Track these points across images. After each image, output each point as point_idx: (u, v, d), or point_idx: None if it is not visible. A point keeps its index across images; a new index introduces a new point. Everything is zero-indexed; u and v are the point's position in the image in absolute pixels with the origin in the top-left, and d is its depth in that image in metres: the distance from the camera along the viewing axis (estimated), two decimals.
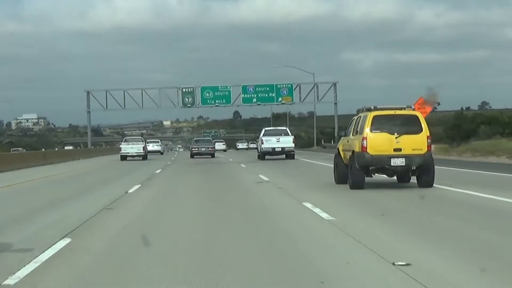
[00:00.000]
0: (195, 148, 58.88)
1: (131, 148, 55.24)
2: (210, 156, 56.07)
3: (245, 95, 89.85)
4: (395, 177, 20.72)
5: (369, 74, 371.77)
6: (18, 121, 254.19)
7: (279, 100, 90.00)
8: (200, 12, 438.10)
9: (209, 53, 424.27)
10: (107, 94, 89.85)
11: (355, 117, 20.83)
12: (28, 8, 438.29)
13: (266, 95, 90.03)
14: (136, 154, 54.28)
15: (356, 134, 20.03)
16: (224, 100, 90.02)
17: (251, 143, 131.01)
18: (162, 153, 76.18)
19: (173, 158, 59.53)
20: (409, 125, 19.37)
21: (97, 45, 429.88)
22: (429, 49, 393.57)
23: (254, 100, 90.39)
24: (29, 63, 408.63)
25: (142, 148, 55.28)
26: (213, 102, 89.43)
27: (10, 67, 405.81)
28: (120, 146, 57.28)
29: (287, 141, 45.90)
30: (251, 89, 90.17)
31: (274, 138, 45.78)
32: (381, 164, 19.26)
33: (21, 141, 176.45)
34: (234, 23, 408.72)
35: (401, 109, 19.74)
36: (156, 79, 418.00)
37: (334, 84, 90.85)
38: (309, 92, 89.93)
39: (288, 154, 45.71)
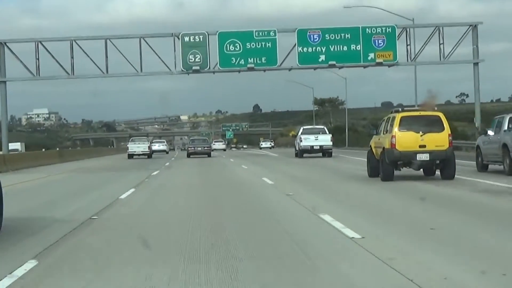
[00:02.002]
0: (191, 147, 57.57)
1: (137, 147, 57.31)
2: (206, 156, 55.33)
3: (305, 49, 48.05)
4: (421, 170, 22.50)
5: (385, 68, 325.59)
6: (28, 116, 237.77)
7: (368, 58, 47.86)
8: (218, 6, 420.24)
9: None
10: (37, 47, 48.02)
11: (385, 117, 22.82)
12: (45, 2, 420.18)
13: (345, 48, 47.82)
14: (142, 152, 56.73)
15: (386, 132, 21.90)
16: (264, 59, 48.12)
17: (263, 142, 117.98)
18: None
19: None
20: (432, 124, 21.19)
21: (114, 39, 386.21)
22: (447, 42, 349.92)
23: (322, 57, 48.21)
24: (46, 57, 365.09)
25: (147, 148, 57.65)
26: (242, 62, 48.03)
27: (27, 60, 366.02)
28: (128, 145, 60.10)
29: (325, 139, 45.84)
30: (316, 36, 48.22)
31: (312, 136, 45.78)
32: (408, 159, 21.10)
33: (31, 137, 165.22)
34: (252, 16, 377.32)
35: (426, 110, 21.62)
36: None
37: (474, 27, 48.38)
38: (427, 41, 48.22)
39: (326, 152, 45.73)
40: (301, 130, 48.31)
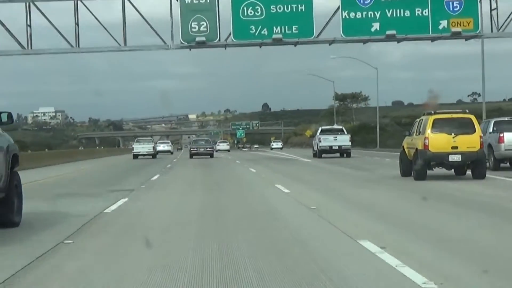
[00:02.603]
0: (193, 148, 57.01)
1: (142, 148, 57.46)
2: (209, 156, 54.92)
3: (352, 14, 34.11)
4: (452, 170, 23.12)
5: (397, 66, 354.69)
6: (34, 114, 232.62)
7: (439, 27, 34.04)
8: None
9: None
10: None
11: (418, 119, 23.24)
12: None
13: (407, 13, 34.05)
14: (146, 153, 57.12)
15: (419, 134, 22.32)
16: (295, 28, 34.28)
17: (274, 142, 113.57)
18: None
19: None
20: (464, 127, 21.60)
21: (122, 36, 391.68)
22: (457, 42, 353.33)
23: (376, 26, 34.49)
24: (53, 56, 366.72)
25: (152, 148, 58.02)
26: (265, 32, 34.03)
27: (35, 60, 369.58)
28: (133, 146, 61.12)
29: (344, 140, 45.76)
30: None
31: (331, 137, 45.80)
32: (440, 160, 21.57)
33: (36, 136, 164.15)
34: None
35: (457, 113, 22.29)
36: (184, 73, 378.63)
37: None
38: None
39: (345, 152, 45.92)
40: (319, 131, 48.75)
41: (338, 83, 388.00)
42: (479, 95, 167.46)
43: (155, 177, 27.52)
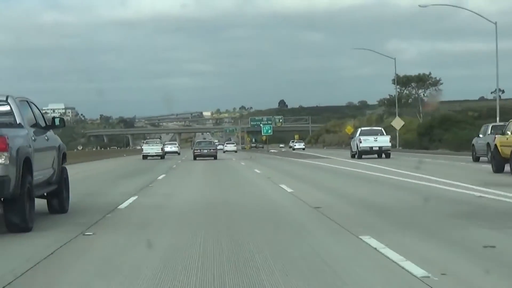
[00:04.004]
0: (197, 150, 58.82)
1: (151, 149, 61.89)
2: (212, 158, 56.68)
3: None
4: None
5: (411, 64, 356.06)
6: (43, 111, 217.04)
7: None
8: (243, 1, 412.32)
9: (252, 43, 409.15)
10: None
11: None
12: None
13: None
14: (155, 154, 61.40)
15: None
16: None
17: (297, 142, 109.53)
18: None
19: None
20: None
21: (137, 34, 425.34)
22: (476, 38, 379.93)
23: None
24: (68, 53, 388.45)
25: (160, 149, 62.63)
26: None
27: (49, 57, 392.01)
28: (142, 147, 67.33)
29: (384, 141, 48.04)
30: None
31: (371, 138, 47.84)
32: None
33: None
34: (277, 11, 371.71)
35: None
36: (198, 70, 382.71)
37: None
38: None
39: (385, 153, 48.04)
40: (358, 131, 50.66)
41: (356, 82, 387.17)
42: (503, 91, 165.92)
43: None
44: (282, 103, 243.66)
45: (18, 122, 11.97)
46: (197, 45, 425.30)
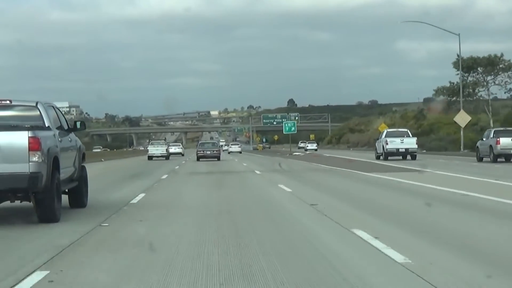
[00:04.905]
0: (200, 151, 60.80)
1: (156, 150, 65.81)
2: (216, 159, 58.23)
3: None
4: None
5: (420, 64, 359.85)
6: None
7: None
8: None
9: (260, 42, 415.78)
10: None
11: None
12: None
13: None
14: (160, 155, 65.23)
15: None
16: None
17: (305, 143, 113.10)
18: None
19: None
20: None
21: (145, 33, 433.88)
22: (485, 38, 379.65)
23: None
24: (73, 52, 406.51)
25: (165, 150, 66.54)
26: None
27: (54, 56, 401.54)
28: (147, 148, 71.21)
29: (411, 142, 49.55)
30: None
31: (398, 139, 49.40)
32: None
33: None
34: (285, 10, 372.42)
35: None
36: (206, 69, 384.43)
37: None
38: None
39: (411, 155, 49.53)
40: (384, 133, 52.38)
41: (366, 82, 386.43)
42: None
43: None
44: (291, 102, 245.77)
45: (46, 125, 13.55)
46: (204, 45, 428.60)
